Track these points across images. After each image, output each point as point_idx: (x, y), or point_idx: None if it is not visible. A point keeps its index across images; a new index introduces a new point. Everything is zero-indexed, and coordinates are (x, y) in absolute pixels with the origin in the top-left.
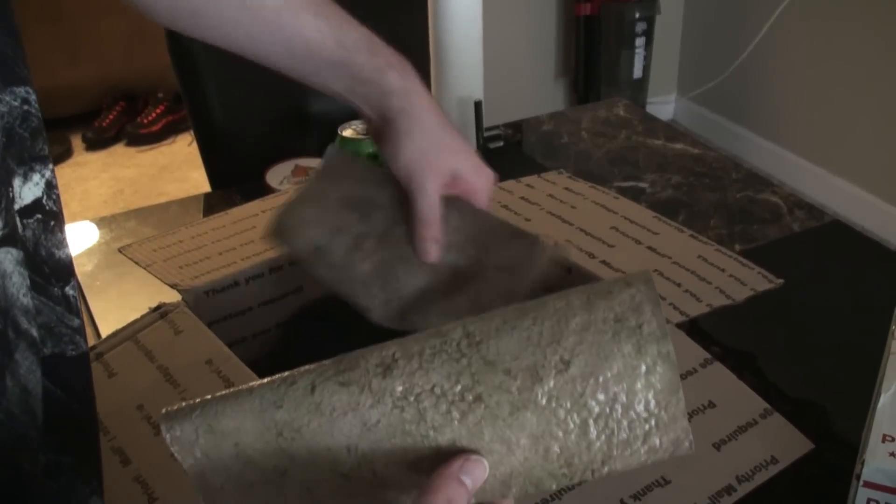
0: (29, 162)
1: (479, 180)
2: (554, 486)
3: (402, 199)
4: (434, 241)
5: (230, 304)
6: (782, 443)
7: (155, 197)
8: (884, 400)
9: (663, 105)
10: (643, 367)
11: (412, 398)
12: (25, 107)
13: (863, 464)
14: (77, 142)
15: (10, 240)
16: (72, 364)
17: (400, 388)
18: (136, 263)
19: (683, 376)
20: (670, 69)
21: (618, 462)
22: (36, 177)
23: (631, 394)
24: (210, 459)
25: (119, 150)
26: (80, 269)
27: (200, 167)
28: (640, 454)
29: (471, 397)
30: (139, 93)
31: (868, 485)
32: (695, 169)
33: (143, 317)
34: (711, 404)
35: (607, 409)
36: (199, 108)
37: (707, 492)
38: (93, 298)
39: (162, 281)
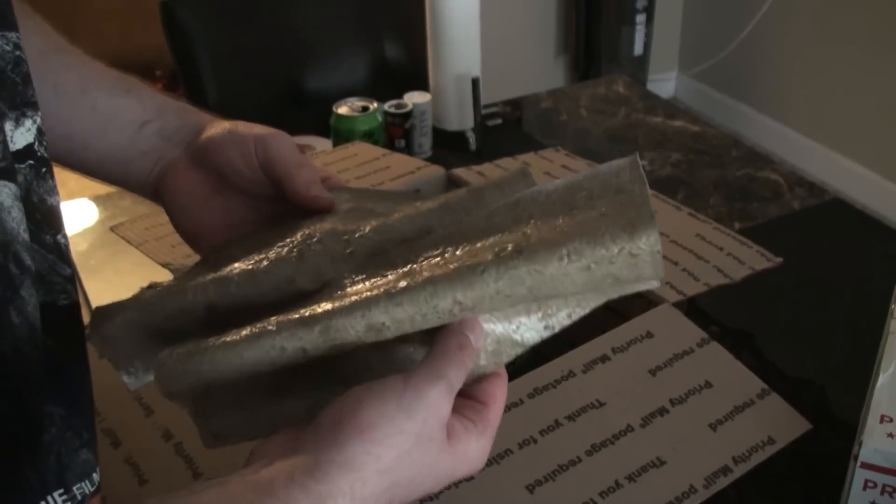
0: (21, 107)
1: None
2: (538, 339)
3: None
4: (314, 182)
5: None
6: (780, 423)
7: None
8: (882, 380)
9: (664, 82)
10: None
11: (403, 337)
12: (17, 52)
13: (860, 444)
14: None
15: (8, 174)
16: (63, 313)
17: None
18: (128, 242)
19: (680, 356)
20: (671, 46)
21: (590, 298)
22: (28, 122)
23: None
24: (206, 392)
25: None
26: (74, 249)
27: None
28: (610, 285)
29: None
30: (136, 71)
31: (865, 466)
32: (694, 146)
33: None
34: (708, 384)
35: (584, 214)
36: (194, 87)
37: (703, 472)
38: (87, 278)
39: (153, 260)
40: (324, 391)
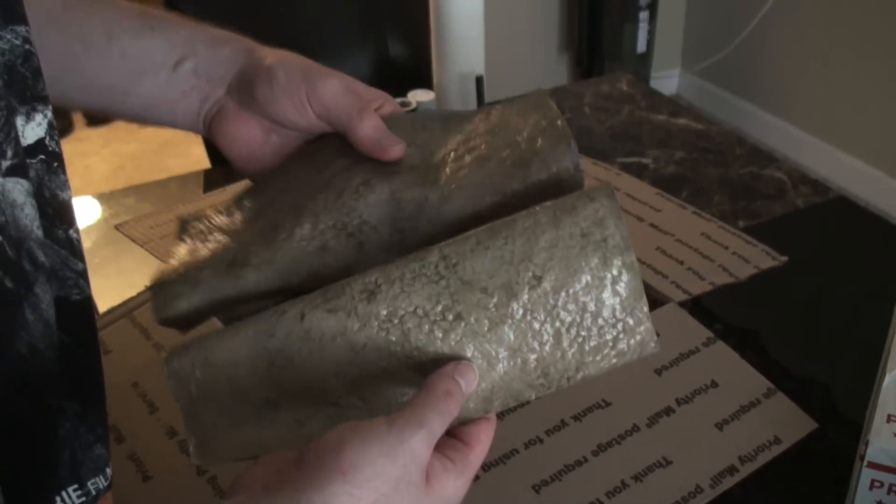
0: (31, 101)
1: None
2: (533, 397)
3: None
4: (378, 130)
5: None
6: (786, 423)
7: (156, 172)
8: (888, 380)
9: (667, 79)
10: (609, 277)
11: (396, 320)
12: (27, 46)
13: (867, 444)
14: (78, 117)
15: (20, 170)
16: (76, 308)
17: (384, 312)
18: (133, 241)
19: (685, 355)
20: (674, 43)
21: (590, 367)
22: (38, 117)
23: (599, 302)
24: (204, 395)
25: (120, 125)
26: None
27: (202, 142)
28: (611, 357)
29: (451, 316)
30: None
31: (872, 465)
32: (698, 144)
33: (138, 294)
34: (714, 384)
35: (578, 318)
36: None
37: (709, 472)
38: (92, 275)
39: (158, 258)
40: (315, 409)
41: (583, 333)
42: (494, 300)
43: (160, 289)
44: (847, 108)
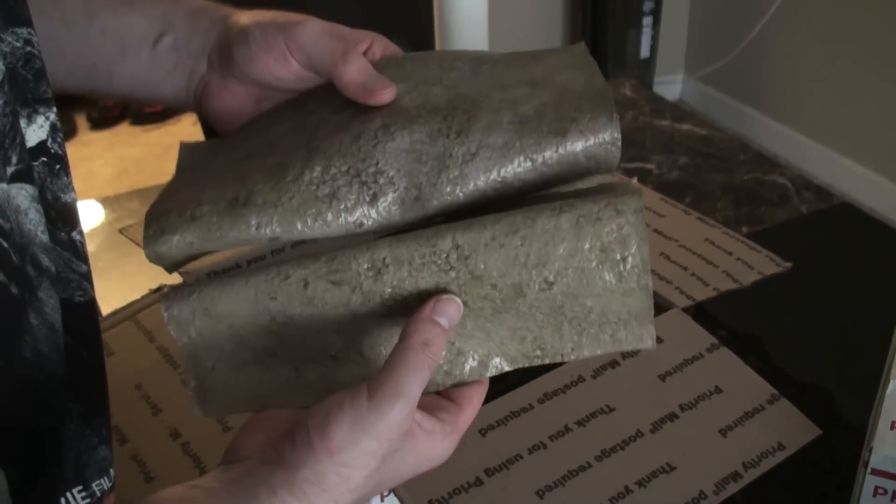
0: (33, 104)
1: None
2: (527, 365)
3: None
4: (366, 72)
5: None
6: (789, 429)
7: (160, 176)
8: (892, 386)
9: (671, 85)
10: (621, 292)
11: (400, 299)
12: (28, 48)
13: (870, 451)
14: (82, 121)
15: (25, 176)
16: (80, 310)
17: (389, 291)
18: (137, 244)
19: (689, 361)
20: (678, 49)
21: (585, 350)
22: (40, 119)
23: (606, 309)
24: (204, 339)
25: (124, 129)
26: None
27: None
28: (607, 344)
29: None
30: None
31: (876, 472)
32: (702, 150)
33: (143, 297)
34: (718, 390)
35: (581, 316)
36: None
37: (713, 478)
38: (96, 279)
39: None
40: (314, 361)
41: (584, 326)
42: (501, 295)
43: (154, 220)
44: (851, 113)
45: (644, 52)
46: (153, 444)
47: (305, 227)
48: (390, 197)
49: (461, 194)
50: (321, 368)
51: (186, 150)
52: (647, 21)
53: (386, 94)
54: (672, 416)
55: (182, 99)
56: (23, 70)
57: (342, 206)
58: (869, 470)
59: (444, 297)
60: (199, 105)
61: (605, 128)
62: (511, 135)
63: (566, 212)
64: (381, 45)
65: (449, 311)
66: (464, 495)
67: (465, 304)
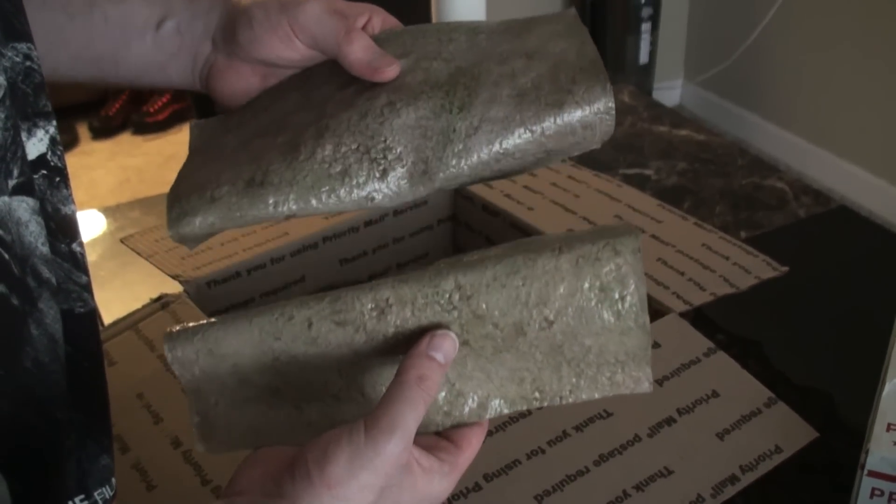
0: (33, 118)
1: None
2: (525, 408)
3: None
4: (370, 50)
5: (232, 295)
6: (786, 432)
7: (162, 186)
8: (889, 388)
9: (670, 90)
10: (619, 331)
11: (402, 338)
12: (28, 62)
13: (867, 453)
14: (83, 130)
15: (26, 188)
16: (80, 321)
17: (392, 331)
18: (138, 254)
19: (687, 365)
20: (677, 54)
21: (583, 393)
22: (40, 132)
23: (604, 349)
24: (207, 376)
25: (125, 139)
26: None
27: None
28: (605, 387)
29: (458, 342)
30: None
31: (873, 474)
32: (700, 155)
33: (144, 307)
34: (715, 394)
35: (580, 356)
36: (202, 97)
37: (710, 482)
38: (96, 288)
39: (163, 271)
40: (315, 399)
41: (582, 367)
42: (503, 334)
43: (176, 202)
44: (850, 117)
45: (643, 57)
46: (155, 452)
47: (320, 204)
48: (399, 172)
49: (465, 166)
50: (323, 407)
51: (197, 128)
52: (645, 27)
53: (390, 71)
54: (669, 421)
55: (189, 82)
56: (23, 84)
57: (354, 182)
58: (866, 472)
59: (440, 332)
60: (205, 86)
61: (600, 98)
62: (511, 108)
63: (566, 252)
64: (380, 18)
65: (444, 346)
66: (462, 501)
67: (466, 343)
